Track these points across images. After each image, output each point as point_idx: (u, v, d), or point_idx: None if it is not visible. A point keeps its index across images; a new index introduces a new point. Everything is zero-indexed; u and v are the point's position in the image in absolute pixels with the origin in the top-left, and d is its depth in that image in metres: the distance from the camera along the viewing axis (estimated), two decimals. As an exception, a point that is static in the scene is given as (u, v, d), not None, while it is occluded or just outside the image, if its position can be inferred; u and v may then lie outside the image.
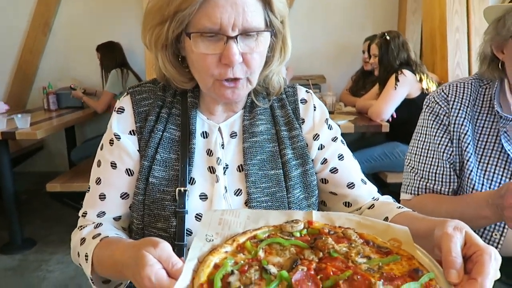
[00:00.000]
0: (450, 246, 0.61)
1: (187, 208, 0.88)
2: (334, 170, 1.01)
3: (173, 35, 0.86)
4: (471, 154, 1.19)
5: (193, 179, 0.92)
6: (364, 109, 3.15)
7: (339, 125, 1.09)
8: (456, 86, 1.25)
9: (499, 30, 1.14)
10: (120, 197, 0.94)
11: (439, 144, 1.23)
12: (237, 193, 0.93)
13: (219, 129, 0.98)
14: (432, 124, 1.25)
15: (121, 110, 0.97)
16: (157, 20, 0.86)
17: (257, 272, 0.62)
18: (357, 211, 1.00)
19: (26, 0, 4.50)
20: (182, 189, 0.88)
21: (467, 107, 1.21)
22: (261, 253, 0.66)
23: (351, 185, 1.00)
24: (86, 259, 0.83)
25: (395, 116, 2.96)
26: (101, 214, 0.94)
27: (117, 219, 0.95)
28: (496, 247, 1.14)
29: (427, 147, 1.27)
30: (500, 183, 1.16)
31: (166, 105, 0.98)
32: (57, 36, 4.66)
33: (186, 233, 0.88)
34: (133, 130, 0.95)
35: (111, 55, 3.97)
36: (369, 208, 0.97)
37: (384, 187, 2.92)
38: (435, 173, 1.24)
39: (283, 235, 0.71)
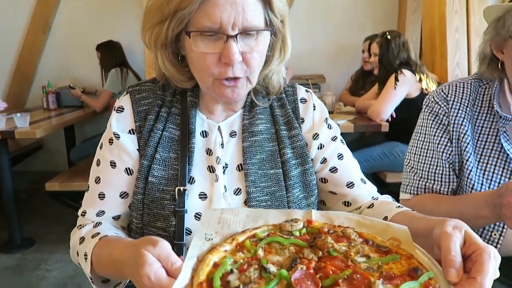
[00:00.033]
0: (450, 245, 0.61)
1: (187, 207, 0.88)
2: (333, 170, 1.01)
3: (173, 34, 0.86)
4: (471, 154, 1.19)
5: (193, 178, 0.92)
6: (363, 108, 3.15)
7: (338, 125, 1.09)
8: (456, 86, 1.25)
9: (499, 30, 1.14)
10: (120, 196, 0.94)
11: (438, 143, 1.23)
12: (237, 192, 0.93)
13: (219, 128, 0.98)
14: (432, 124, 1.25)
15: (120, 109, 0.96)
16: (157, 19, 0.85)
17: (256, 271, 0.62)
18: (357, 210, 1.00)
19: (26, -1, 4.51)
20: (181, 188, 0.88)
21: (467, 107, 1.22)
22: (260, 252, 0.66)
23: (350, 185, 1.00)
24: (86, 258, 0.83)
25: (394, 116, 2.96)
26: (101, 213, 0.94)
27: (116, 218, 0.95)
28: (495, 247, 1.14)
29: (426, 147, 1.27)
30: (499, 182, 1.16)
31: (165, 104, 0.97)
32: (57, 35, 4.66)
33: (186, 232, 0.88)
34: (132, 129, 0.95)
35: (111, 54, 3.97)
36: (368, 207, 0.97)
37: (384, 187, 2.92)
38: (435, 172, 1.24)
39: (282, 234, 0.71)
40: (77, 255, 0.89)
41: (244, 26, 0.82)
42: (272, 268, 0.62)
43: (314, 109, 1.03)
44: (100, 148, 0.97)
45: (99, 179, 0.94)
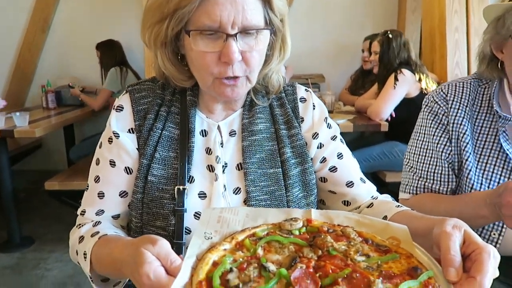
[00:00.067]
0: (449, 245, 0.61)
1: (186, 206, 0.88)
2: (333, 169, 1.01)
3: (173, 33, 0.86)
4: (470, 153, 1.19)
5: (192, 177, 0.92)
6: (363, 108, 3.15)
7: (338, 124, 1.09)
8: (455, 86, 1.25)
9: (499, 29, 1.14)
10: (119, 195, 0.94)
11: (437, 143, 1.23)
12: (236, 191, 0.93)
13: (218, 128, 0.97)
14: (431, 124, 1.25)
15: (120, 108, 0.96)
16: (157, 18, 0.85)
17: (256, 270, 0.61)
18: (356, 209, 1.00)
19: (25, -3, 4.50)
20: (181, 187, 0.88)
21: (466, 106, 1.22)
22: (260, 251, 0.66)
23: (350, 184, 1.00)
24: (85, 257, 0.83)
25: (394, 116, 2.96)
26: (100, 212, 0.94)
27: (115, 217, 0.95)
28: (495, 246, 1.14)
29: (425, 147, 1.27)
30: (498, 182, 1.16)
31: (165, 103, 0.97)
32: (56, 34, 4.66)
33: (185, 231, 0.87)
34: (132, 128, 0.95)
35: (111, 53, 3.97)
36: (368, 207, 0.97)
37: (383, 186, 2.92)
38: (434, 172, 1.24)
39: (282, 233, 0.71)
40: (77, 254, 0.89)
41: (244, 25, 0.81)
42: (272, 267, 0.62)
43: (314, 109, 1.03)
44: (100, 147, 0.97)
45: (99, 178, 0.94)
